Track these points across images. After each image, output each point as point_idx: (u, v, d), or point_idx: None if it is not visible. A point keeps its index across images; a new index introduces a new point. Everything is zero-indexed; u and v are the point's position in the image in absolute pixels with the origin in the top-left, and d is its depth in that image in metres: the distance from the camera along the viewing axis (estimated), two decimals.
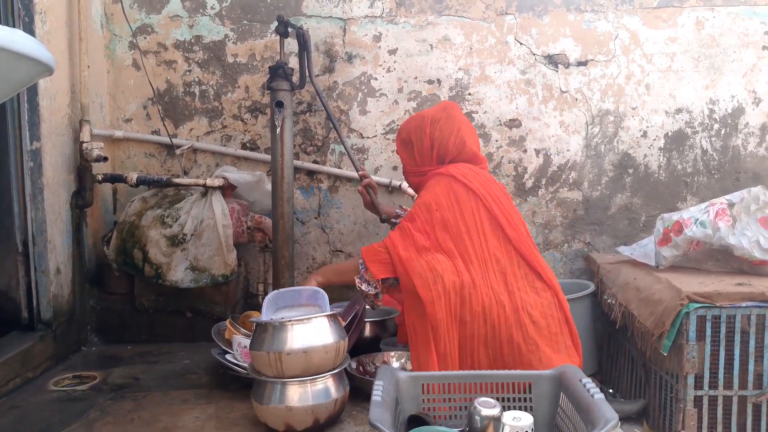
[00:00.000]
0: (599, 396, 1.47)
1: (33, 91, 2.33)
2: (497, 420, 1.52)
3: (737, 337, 2.01)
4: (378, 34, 2.89)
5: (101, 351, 2.63)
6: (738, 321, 2.00)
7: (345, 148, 2.63)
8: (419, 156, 2.18)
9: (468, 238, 1.98)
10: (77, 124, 2.62)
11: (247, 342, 2.06)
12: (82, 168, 2.62)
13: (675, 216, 2.30)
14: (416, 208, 2.07)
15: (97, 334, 2.73)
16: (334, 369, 1.80)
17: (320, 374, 1.76)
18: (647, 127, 2.89)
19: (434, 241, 1.99)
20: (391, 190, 2.90)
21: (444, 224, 2.00)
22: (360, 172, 2.53)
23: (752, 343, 2.01)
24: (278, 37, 2.61)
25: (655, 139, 2.89)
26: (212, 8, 2.90)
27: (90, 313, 2.72)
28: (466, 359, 1.88)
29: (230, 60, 2.92)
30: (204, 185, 2.65)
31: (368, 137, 2.93)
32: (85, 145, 2.59)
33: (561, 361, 1.89)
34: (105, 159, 2.63)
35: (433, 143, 2.14)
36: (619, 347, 2.56)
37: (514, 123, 2.91)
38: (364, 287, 2.03)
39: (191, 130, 2.94)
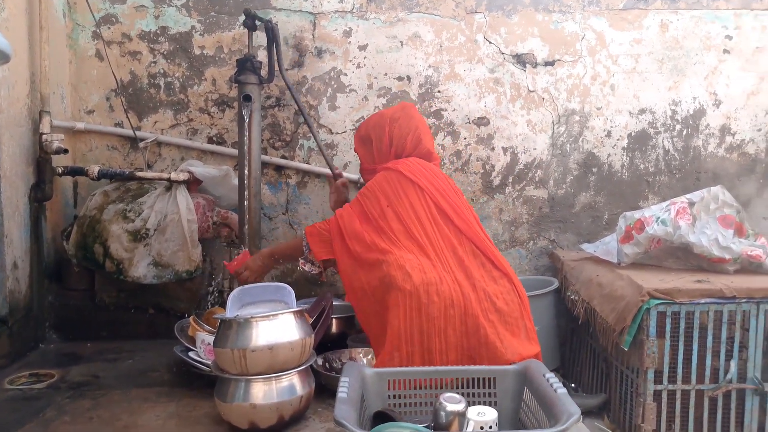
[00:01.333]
0: (562, 391, 1.49)
1: None
2: (462, 415, 1.53)
3: (696, 333, 2.06)
4: (348, 29, 2.88)
5: (60, 348, 2.56)
6: (697, 317, 2.06)
7: (317, 144, 2.64)
8: (377, 153, 2.22)
9: (422, 229, 2.00)
10: (37, 115, 2.55)
11: (210, 339, 2.03)
12: (41, 160, 2.55)
13: (637, 214, 2.35)
14: (364, 198, 2.09)
15: (55, 330, 2.66)
16: (299, 366, 1.78)
17: (285, 371, 1.74)
18: (611, 127, 2.94)
19: (388, 232, 2.01)
20: (359, 186, 2.89)
21: (396, 215, 2.03)
22: (336, 171, 2.59)
23: (710, 338, 2.06)
24: (246, 30, 2.58)
25: (618, 139, 2.95)
26: None
27: (48, 310, 2.65)
28: (435, 354, 1.88)
29: (197, 52, 2.87)
30: (168, 179, 2.59)
31: (337, 133, 2.91)
32: (44, 136, 2.52)
33: (521, 345, 1.93)
34: (65, 151, 2.56)
35: (392, 140, 2.18)
36: (581, 342, 2.61)
37: (482, 121, 2.93)
38: (307, 267, 2.13)
39: (156, 122, 2.89)
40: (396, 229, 2.01)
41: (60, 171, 2.60)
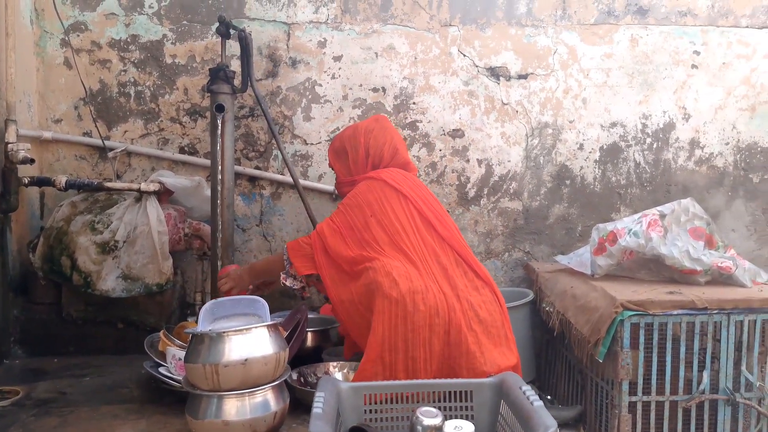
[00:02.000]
0: (538, 403, 1.48)
1: None
2: (439, 429, 1.52)
3: (669, 344, 2.08)
4: (323, 40, 2.87)
5: (25, 364, 2.49)
6: (669, 328, 2.08)
7: (286, 163, 2.60)
8: (354, 165, 2.21)
9: (406, 237, 2.00)
10: (2, 123, 2.48)
11: (181, 354, 1.98)
12: (6, 170, 2.47)
13: (609, 226, 2.37)
14: (347, 209, 2.09)
15: (20, 346, 2.58)
16: (273, 381, 1.75)
17: (259, 386, 1.71)
18: (583, 140, 2.98)
19: (372, 243, 2.00)
20: (335, 197, 2.88)
21: (380, 224, 2.02)
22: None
23: (682, 349, 2.08)
24: (219, 39, 2.56)
25: (590, 152, 2.98)
26: (150, 7, 2.80)
27: (13, 324, 2.57)
28: (419, 362, 1.87)
29: (168, 61, 2.82)
30: (138, 190, 2.54)
31: (312, 144, 2.90)
32: (10, 146, 2.45)
33: (502, 356, 1.94)
34: (32, 161, 2.49)
35: (368, 151, 2.19)
36: (556, 354, 2.61)
37: (457, 133, 2.94)
38: (288, 282, 2.10)
39: (125, 132, 2.83)
40: (380, 239, 2.00)
41: (26, 181, 2.53)
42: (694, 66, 2.97)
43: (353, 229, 2.05)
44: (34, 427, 1.87)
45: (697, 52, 2.96)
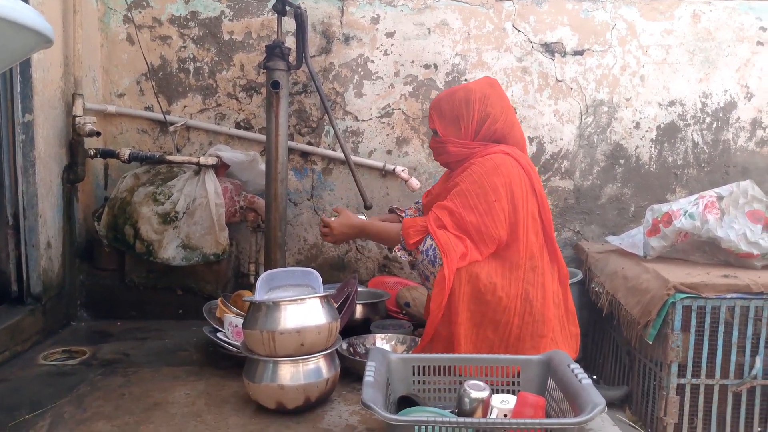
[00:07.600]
0: (587, 381, 1.50)
1: (26, 63, 2.29)
2: (486, 402, 1.55)
3: (721, 328, 2.06)
4: (376, 16, 2.88)
5: (90, 326, 2.62)
6: (722, 312, 2.05)
7: (339, 140, 2.53)
8: (465, 132, 2.05)
9: (524, 236, 1.94)
10: (70, 97, 2.59)
11: (238, 321, 2.07)
12: (74, 142, 2.60)
13: (664, 207, 2.33)
14: (469, 194, 1.95)
15: (86, 309, 2.73)
16: (326, 349, 1.81)
17: (312, 354, 1.78)
18: (640, 118, 2.91)
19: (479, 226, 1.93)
20: (385, 174, 2.91)
21: (502, 213, 1.92)
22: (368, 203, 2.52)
23: (735, 333, 2.05)
24: (275, 16, 2.59)
25: (647, 131, 2.92)
26: None
27: (80, 289, 2.72)
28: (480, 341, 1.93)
29: (226, 37, 2.89)
30: (197, 163, 2.63)
31: (363, 120, 2.93)
32: (77, 119, 2.57)
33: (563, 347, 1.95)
34: (98, 134, 2.61)
35: (483, 120, 2.02)
36: (604, 334, 2.61)
37: None
38: (400, 254, 2.10)
39: (185, 107, 2.92)
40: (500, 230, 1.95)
41: (92, 153, 2.65)
42: (759, 43, 2.85)
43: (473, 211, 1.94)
44: (102, 386, 1.99)
45: (763, 28, 2.85)
